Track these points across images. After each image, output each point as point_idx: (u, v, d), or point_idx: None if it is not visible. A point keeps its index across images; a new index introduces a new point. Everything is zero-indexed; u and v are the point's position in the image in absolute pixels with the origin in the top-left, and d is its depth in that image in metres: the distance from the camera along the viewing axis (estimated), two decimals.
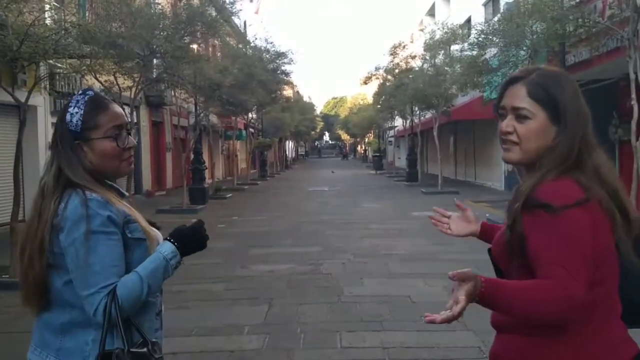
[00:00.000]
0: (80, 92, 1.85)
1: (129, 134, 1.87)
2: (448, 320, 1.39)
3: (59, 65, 9.35)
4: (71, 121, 1.77)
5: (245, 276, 7.51)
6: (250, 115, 29.70)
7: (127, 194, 1.91)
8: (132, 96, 12.07)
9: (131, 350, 1.67)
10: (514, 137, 1.60)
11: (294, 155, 68.68)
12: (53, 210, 1.73)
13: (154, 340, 1.74)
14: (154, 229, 1.92)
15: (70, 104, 1.80)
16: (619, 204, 1.55)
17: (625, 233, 1.55)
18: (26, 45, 6.88)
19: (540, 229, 1.47)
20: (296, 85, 52.22)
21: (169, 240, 1.78)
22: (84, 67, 9.23)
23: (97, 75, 10.79)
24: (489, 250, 1.74)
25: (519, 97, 1.60)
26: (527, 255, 1.50)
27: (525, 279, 1.49)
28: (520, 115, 1.59)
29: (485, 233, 1.99)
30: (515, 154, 1.62)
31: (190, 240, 1.82)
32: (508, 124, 1.61)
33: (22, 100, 7.71)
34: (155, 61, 13.84)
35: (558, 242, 1.45)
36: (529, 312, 1.44)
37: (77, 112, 1.77)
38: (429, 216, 2.10)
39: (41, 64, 9.12)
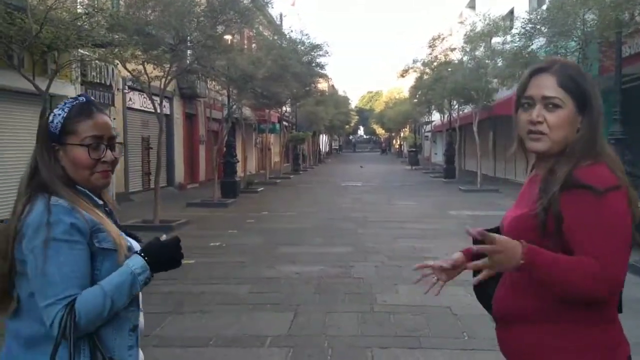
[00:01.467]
0: (75, 97, 1.80)
1: (111, 148, 1.76)
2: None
3: (86, 53, 9.03)
4: (52, 122, 1.71)
5: (272, 278, 7.05)
6: (284, 108, 29.32)
7: (101, 202, 1.78)
8: (162, 86, 11.73)
9: None
10: (544, 127, 1.62)
11: (327, 149, 68.18)
12: (18, 213, 1.65)
13: None
14: (128, 239, 1.79)
15: (58, 105, 1.76)
16: None
17: None
18: (46, 30, 6.54)
19: (583, 209, 1.51)
20: (331, 79, 51.63)
21: (140, 255, 1.67)
22: (111, 56, 8.89)
23: (126, 64, 10.48)
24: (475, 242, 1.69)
25: (549, 87, 1.62)
26: (563, 234, 1.53)
27: None
28: (551, 104, 1.61)
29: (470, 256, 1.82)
30: (544, 143, 1.63)
31: (162, 257, 1.71)
32: (539, 113, 1.63)
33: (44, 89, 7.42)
34: (189, 52, 13.53)
35: (601, 223, 1.49)
36: (567, 283, 1.48)
37: (59, 114, 1.72)
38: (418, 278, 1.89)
39: (72, 51, 8.88)
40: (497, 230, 1.76)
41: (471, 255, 1.77)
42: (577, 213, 1.52)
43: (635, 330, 4.97)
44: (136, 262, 1.66)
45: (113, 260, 1.66)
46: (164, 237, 1.78)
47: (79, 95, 1.81)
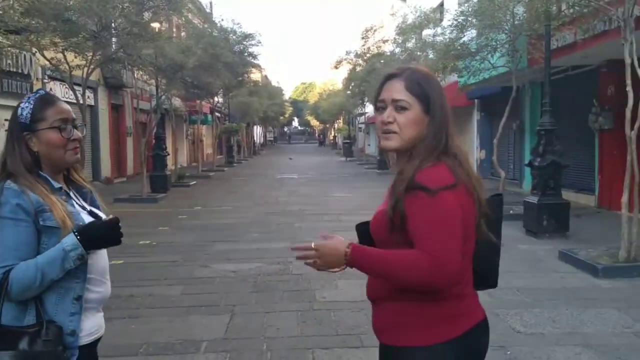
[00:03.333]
0: (34, 92, 2.08)
1: (76, 127, 2.04)
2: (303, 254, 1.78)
3: None
4: (22, 114, 1.98)
5: (206, 277, 6.74)
6: (216, 99, 28.66)
7: (57, 185, 2.00)
8: (84, 76, 11.05)
9: (3, 325, 1.84)
10: (394, 127, 1.80)
11: (262, 140, 67.58)
12: None
13: (58, 323, 1.87)
14: (85, 218, 2.01)
15: (22, 101, 2.02)
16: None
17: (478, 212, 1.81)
18: None
19: (419, 208, 1.68)
20: (264, 69, 51.07)
21: (73, 233, 1.88)
22: (26, 43, 8.22)
23: (44, 52, 9.77)
24: (357, 225, 2.03)
25: (398, 90, 1.80)
26: (408, 231, 1.70)
27: None
28: (399, 107, 1.79)
29: None
30: (395, 141, 1.81)
31: (96, 235, 1.91)
32: (389, 114, 1.81)
33: None
34: (113, 40, 12.83)
35: (434, 220, 1.67)
36: (398, 275, 1.68)
37: (27, 107, 1.99)
38: (296, 257, 1.95)
39: None
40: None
41: None
42: (414, 212, 1.69)
43: (570, 319, 5.05)
44: (68, 240, 1.87)
45: (58, 238, 1.88)
46: (104, 218, 2.02)
47: (38, 90, 2.12)
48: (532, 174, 9.44)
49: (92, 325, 2.02)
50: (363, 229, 2.00)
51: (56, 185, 2.00)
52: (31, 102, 1.99)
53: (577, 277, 6.59)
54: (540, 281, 6.45)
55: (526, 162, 10.45)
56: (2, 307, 1.83)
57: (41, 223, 1.88)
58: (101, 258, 2.05)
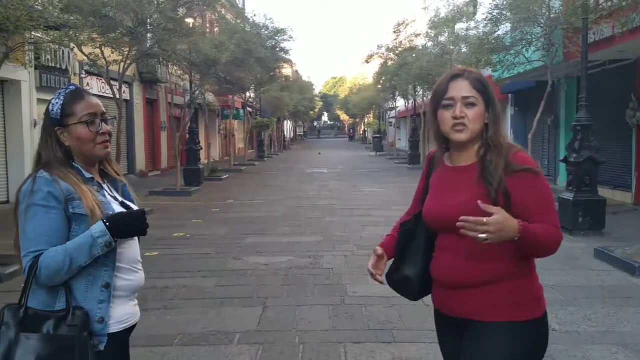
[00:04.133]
0: (64, 87, 2.13)
1: (105, 122, 2.08)
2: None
3: (38, 35, 8.54)
4: (53, 110, 2.04)
5: (239, 270, 6.84)
6: (248, 94, 28.87)
7: (88, 175, 2.06)
8: (121, 71, 11.27)
9: (30, 308, 1.89)
10: (465, 121, 1.99)
11: (292, 135, 67.80)
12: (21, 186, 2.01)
13: (85, 310, 1.91)
14: (116, 208, 2.06)
15: (54, 97, 2.07)
16: None
17: None
18: None
19: (530, 188, 1.94)
20: (295, 64, 51.14)
21: (102, 221, 1.93)
22: (65, 38, 8.43)
23: (82, 48, 10.00)
24: (402, 224, 2.28)
25: (467, 89, 2.02)
26: (514, 207, 1.91)
27: None
28: (468, 103, 2.00)
29: (389, 250, 2.25)
30: (466, 134, 2.00)
31: (124, 224, 1.96)
32: (461, 110, 2.00)
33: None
34: (149, 36, 13.04)
35: (547, 196, 1.97)
36: (545, 247, 1.93)
37: (57, 103, 2.04)
38: (377, 281, 2.20)
39: (24, 34, 8.38)
40: (413, 224, 2.21)
41: (390, 248, 2.24)
42: (526, 191, 1.93)
43: (607, 318, 4.97)
44: (97, 227, 1.91)
45: (87, 225, 1.94)
46: (132, 209, 2.10)
47: (69, 85, 2.16)
48: (568, 170, 9.27)
49: (123, 314, 2.03)
50: (406, 228, 2.24)
51: (88, 175, 2.05)
52: (61, 97, 2.04)
53: (613, 276, 6.47)
54: (576, 279, 6.36)
55: (561, 157, 10.26)
56: (30, 290, 1.89)
57: (71, 211, 1.93)
58: (132, 248, 2.08)
